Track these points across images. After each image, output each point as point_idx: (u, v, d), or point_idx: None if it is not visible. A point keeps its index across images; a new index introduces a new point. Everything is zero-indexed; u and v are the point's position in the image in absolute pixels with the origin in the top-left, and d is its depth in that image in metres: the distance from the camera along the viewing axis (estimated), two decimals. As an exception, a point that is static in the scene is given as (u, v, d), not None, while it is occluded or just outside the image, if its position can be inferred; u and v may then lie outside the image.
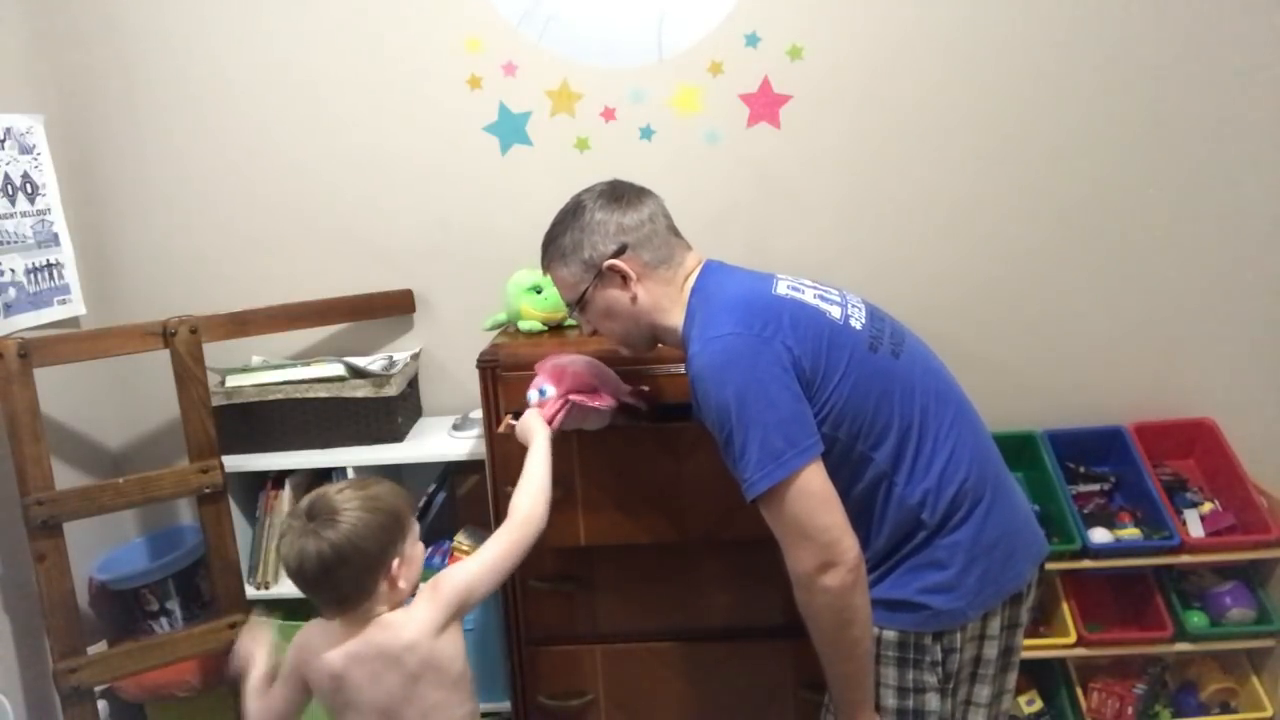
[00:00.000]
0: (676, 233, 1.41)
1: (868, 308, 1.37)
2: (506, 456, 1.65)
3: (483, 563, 1.32)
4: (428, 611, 1.27)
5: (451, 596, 1.28)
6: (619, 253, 1.34)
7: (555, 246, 1.38)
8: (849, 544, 1.18)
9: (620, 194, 1.38)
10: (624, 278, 1.34)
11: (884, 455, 1.25)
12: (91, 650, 1.91)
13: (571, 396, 1.47)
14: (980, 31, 2.04)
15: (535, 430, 1.45)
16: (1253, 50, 2.02)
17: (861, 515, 1.26)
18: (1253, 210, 2.11)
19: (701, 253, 1.42)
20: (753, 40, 2.07)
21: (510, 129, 2.15)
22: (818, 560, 1.17)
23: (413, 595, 1.31)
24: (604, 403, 1.52)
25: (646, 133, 2.13)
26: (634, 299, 1.35)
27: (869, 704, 1.27)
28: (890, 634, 1.27)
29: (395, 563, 1.25)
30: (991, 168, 2.11)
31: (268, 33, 2.12)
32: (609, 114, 2.12)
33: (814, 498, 1.17)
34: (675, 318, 1.35)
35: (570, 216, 1.37)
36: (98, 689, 1.88)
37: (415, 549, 1.31)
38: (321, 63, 2.13)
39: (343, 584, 1.22)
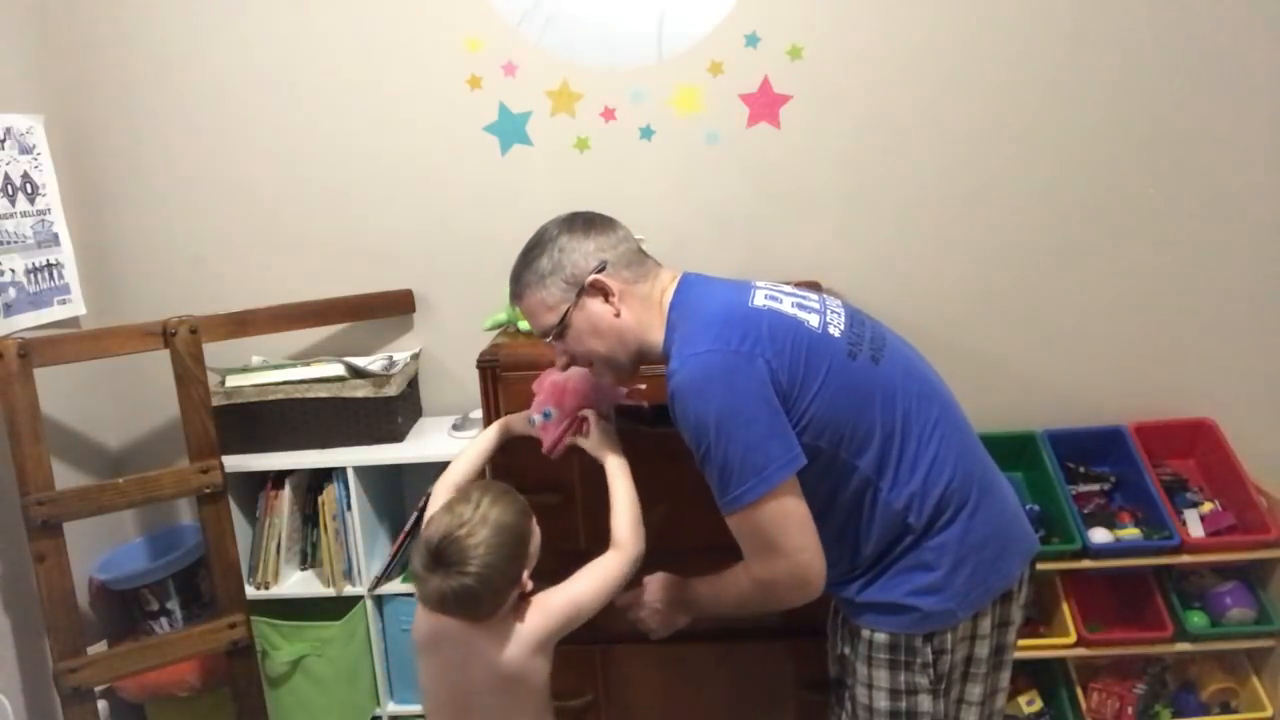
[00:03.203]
0: (645, 254, 1.39)
1: (847, 313, 1.36)
2: (506, 457, 1.65)
3: (590, 585, 1.32)
4: (533, 630, 1.28)
5: (560, 618, 1.30)
6: (600, 269, 1.31)
7: (531, 271, 1.33)
8: (821, 567, 1.21)
9: (589, 219, 1.36)
10: (606, 295, 1.32)
11: (867, 462, 1.25)
12: (91, 650, 1.91)
13: (586, 413, 1.49)
14: (980, 32, 2.04)
15: (609, 453, 1.46)
16: (1253, 52, 2.02)
17: (849, 522, 1.27)
18: (1253, 210, 2.10)
19: (677, 267, 1.40)
20: (753, 40, 2.07)
21: (510, 129, 2.15)
22: (792, 578, 1.21)
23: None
24: (619, 398, 1.53)
25: (646, 133, 2.13)
26: (618, 315, 1.32)
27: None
28: (881, 636, 1.27)
29: (525, 575, 1.28)
30: (991, 168, 2.11)
31: (267, 32, 2.12)
32: (609, 114, 2.12)
33: (790, 516, 1.20)
34: (656, 334, 1.33)
35: (543, 242, 1.34)
36: (98, 689, 1.88)
37: (535, 543, 1.32)
38: (321, 63, 2.13)
39: (483, 608, 1.26)
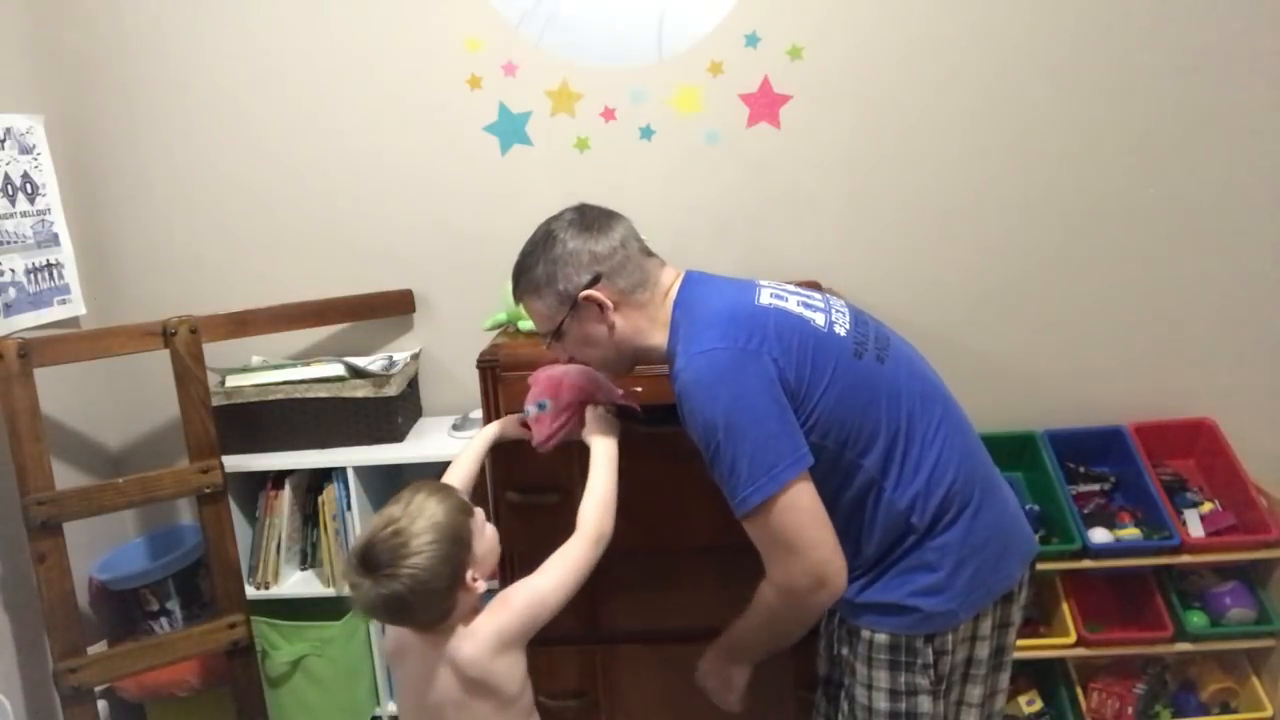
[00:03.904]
0: (649, 253, 1.37)
1: (851, 312, 1.36)
2: (506, 459, 1.65)
3: (552, 577, 1.26)
4: (492, 626, 1.22)
5: (522, 613, 1.23)
6: (593, 282, 1.30)
7: (527, 279, 1.34)
8: (840, 565, 1.20)
9: (590, 220, 1.34)
10: (600, 307, 1.31)
11: (872, 461, 1.24)
12: (91, 650, 1.91)
13: (617, 401, 1.50)
14: (980, 32, 2.04)
15: (597, 435, 1.44)
16: (1254, 52, 2.02)
17: (852, 521, 1.27)
18: (1253, 210, 2.10)
19: (677, 267, 1.39)
20: (753, 40, 2.07)
21: (510, 129, 2.15)
22: (809, 578, 1.19)
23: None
24: (615, 398, 1.52)
25: (646, 133, 2.13)
26: (611, 328, 1.32)
27: (752, 664, 1.40)
28: (881, 637, 1.27)
29: (468, 575, 1.21)
30: (992, 169, 2.11)
31: (268, 32, 2.12)
32: (609, 114, 2.12)
33: (804, 512, 1.18)
34: (657, 337, 1.33)
35: (540, 247, 1.33)
36: (98, 689, 1.88)
37: (484, 542, 1.25)
38: (321, 63, 2.13)
39: (420, 616, 1.21)
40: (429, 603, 1.18)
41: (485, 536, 1.27)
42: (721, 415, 1.18)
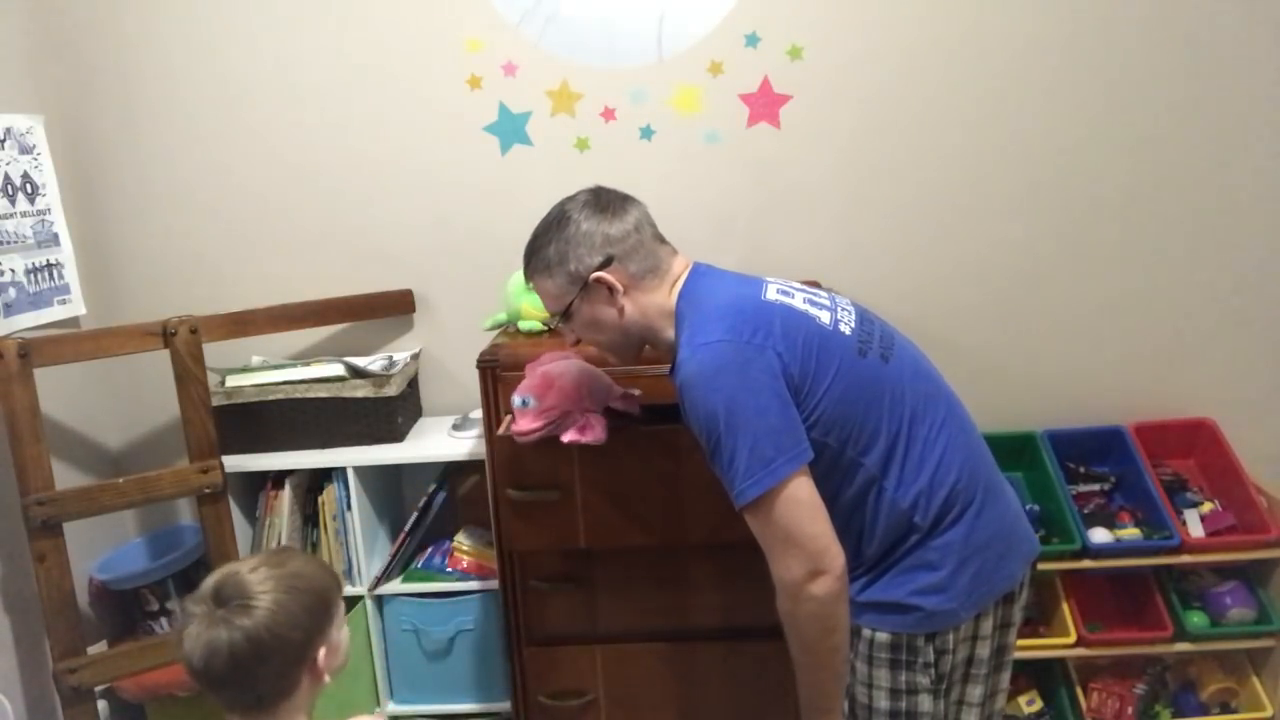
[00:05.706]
0: (662, 239, 1.38)
1: (857, 311, 1.36)
2: (506, 457, 1.65)
3: None
4: None
5: None
6: (605, 265, 1.31)
7: (539, 258, 1.35)
8: (836, 552, 1.18)
9: (605, 203, 1.34)
10: (610, 290, 1.31)
11: (874, 460, 1.24)
12: (91, 650, 1.91)
13: (564, 438, 1.50)
14: (981, 32, 2.04)
15: None
16: (1253, 53, 2.02)
17: (853, 520, 1.27)
18: (1253, 210, 2.11)
19: (688, 256, 1.39)
20: (753, 40, 2.07)
21: (510, 129, 2.15)
22: (806, 568, 1.17)
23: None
24: (588, 438, 1.51)
25: (646, 133, 2.13)
26: (620, 311, 1.33)
27: (838, 711, 1.27)
28: (883, 636, 1.27)
29: (321, 652, 1.06)
30: (991, 169, 2.12)
31: (268, 32, 2.12)
32: (609, 114, 2.13)
33: (803, 505, 1.18)
34: (664, 325, 1.34)
35: (554, 227, 1.33)
36: (98, 689, 1.88)
37: (342, 633, 1.13)
38: (321, 63, 2.13)
39: (260, 682, 1.02)
40: (280, 655, 1.02)
41: (344, 630, 1.14)
42: (723, 407, 1.18)
